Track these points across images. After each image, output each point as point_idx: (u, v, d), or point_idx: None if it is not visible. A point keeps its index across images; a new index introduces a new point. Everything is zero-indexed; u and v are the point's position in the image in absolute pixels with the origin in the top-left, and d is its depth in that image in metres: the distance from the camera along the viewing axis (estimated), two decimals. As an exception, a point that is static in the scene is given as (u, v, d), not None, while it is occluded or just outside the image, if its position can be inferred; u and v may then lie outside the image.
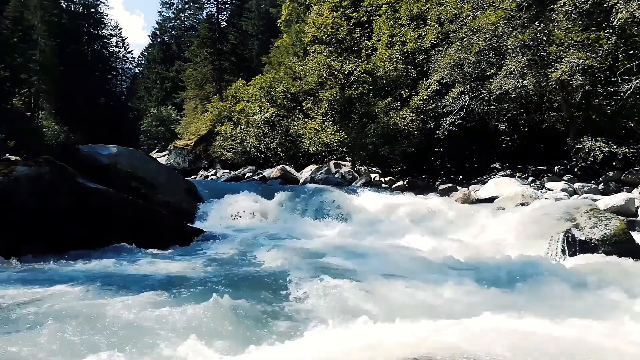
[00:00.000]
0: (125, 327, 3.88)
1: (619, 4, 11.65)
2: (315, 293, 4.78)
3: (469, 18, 15.15)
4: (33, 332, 3.69)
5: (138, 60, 61.73)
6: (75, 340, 3.55)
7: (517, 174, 15.00)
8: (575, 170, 14.02)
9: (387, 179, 18.30)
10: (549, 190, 12.75)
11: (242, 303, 4.58)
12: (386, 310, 4.20)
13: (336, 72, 19.51)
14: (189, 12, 54.88)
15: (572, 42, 13.22)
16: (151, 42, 57.42)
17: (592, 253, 6.71)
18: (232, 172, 25.49)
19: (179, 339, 3.59)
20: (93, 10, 49.98)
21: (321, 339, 3.63)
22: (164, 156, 36.81)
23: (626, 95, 12.38)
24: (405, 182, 17.20)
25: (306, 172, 21.01)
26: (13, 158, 12.51)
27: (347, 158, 20.54)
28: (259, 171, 24.34)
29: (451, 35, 16.53)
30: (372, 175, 18.46)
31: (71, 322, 3.95)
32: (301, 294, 4.80)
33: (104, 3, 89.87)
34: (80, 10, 48.93)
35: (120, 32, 56.73)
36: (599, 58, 12.73)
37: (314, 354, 3.36)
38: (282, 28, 31.94)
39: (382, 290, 4.91)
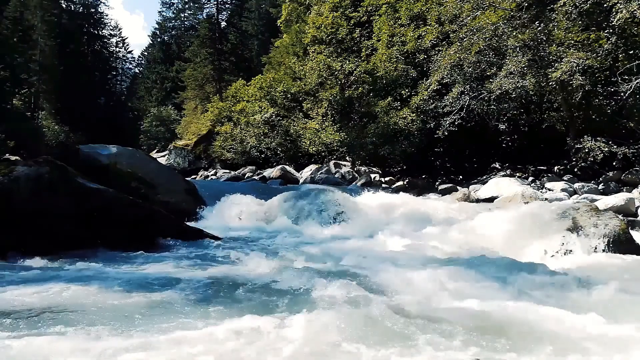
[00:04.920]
0: (125, 327, 3.88)
1: (619, 4, 11.65)
2: (316, 295, 4.77)
3: (469, 18, 15.16)
4: (31, 333, 3.69)
5: (138, 60, 61.88)
6: (73, 341, 3.55)
7: (517, 174, 15.01)
8: (575, 170, 14.03)
9: (387, 179, 18.31)
10: (549, 190, 12.75)
11: (242, 304, 4.58)
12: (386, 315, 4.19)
13: (336, 72, 19.52)
14: (189, 12, 54.92)
15: (572, 42, 13.23)
16: (151, 42, 57.49)
17: (592, 253, 6.71)
18: (232, 172, 25.51)
19: (178, 341, 3.58)
20: (93, 10, 50.11)
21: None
22: (164, 156, 36.81)
23: (626, 95, 12.39)
24: (405, 182, 17.21)
25: (306, 172, 21.02)
26: (13, 158, 12.54)
27: (347, 158, 20.55)
28: (259, 171, 24.35)
29: (451, 35, 16.54)
30: (372, 175, 18.47)
31: (70, 323, 3.95)
32: (302, 296, 4.79)
33: (104, 3, 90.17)
34: (80, 10, 49.02)
35: (120, 32, 56.90)
36: (599, 58, 12.74)
37: None
38: (282, 28, 31.97)
39: (381, 293, 4.90)
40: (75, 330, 3.77)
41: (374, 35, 21.62)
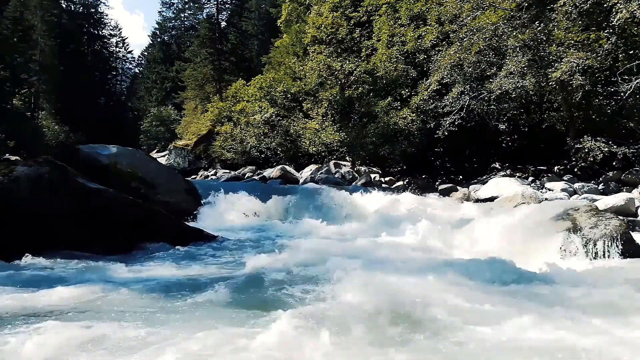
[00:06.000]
0: (123, 328, 3.87)
1: (619, 4, 11.65)
2: (315, 297, 4.77)
3: (469, 18, 15.15)
4: (31, 335, 3.68)
5: (138, 60, 61.88)
6: (72, 342, 3.55)
7: (517, 174, 15.00)
8: (575, 170, 14.02)
9: (387, 179, 18.30)
10: (549, 190, 12.75)
11: (243, 305, 4.58)
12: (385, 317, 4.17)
13: (336, 72, 19.52)
14: (189, 12, 54.91)
15: (572, 42, 13.22)
16: (151, 42, 57.46)
17: (592, 253, 6.71)
18: (232, 172, 25.50)
19: (177, 342, 3.58)
20: (93, 10, 50.14)
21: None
22: (164, 156, 36.81)
23: (626, 95, 12.38)
24: (405, 182, 17.21)
25: (306, 172, 21.02)
26: (13, 158, 12.54)
27: (347, 158, 20.55)
28: (259, 171, 24.35)
29: (451, 35, 16.54)
30: (372, 175, 18.46)
31: (69, 324, 3.94)
32: (301, 298, 4.79)
33: (104, 3, 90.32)
34: (80, 10, 49.03)
35: (120, 32, 56.90)
36: (599, 58, 12.74)
37: None
38: (282, 28, 31.96)
39: (379, 296, 4.88)
40: (72, 331, 3.76)
41: (374, 35, 21.62)
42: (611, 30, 12.53)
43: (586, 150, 13.22)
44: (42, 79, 29.51)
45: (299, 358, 3.36)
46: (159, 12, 78.74)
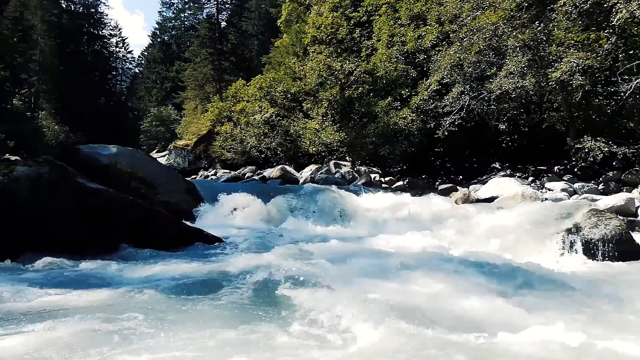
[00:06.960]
0: (124, 329, 3.87)
1: (619, 4, 11.65)
2: (316, 298, 4.76)
3: (469, 18, 15.15)
4: (33, 337, 3.68)
5: (138, 60, 61.81)
6: (72, 343, 3.55)
7: (517, 174, 14.99)
8: (575, 170, 14.01)
9: (387, 179, 18.30)
10: (549, 190, 12.74)
11: (242, 306, 4.57)
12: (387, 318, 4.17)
13: (336, 72, 19.50)
14: (189, 12, 54.91)
15: (572, 42, 13.22)
16: (151, 42, 57.44)
17: (592, 253, 6.71)
18: (232, 172, 25.47)
19: (179, 343, 3.58)
20: (93, 10, 50.04)
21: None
22: (164, 156, 36.81)
23: (626, 95, 12.38)
24: (405, 182, 17.20)
25: (306, 172, 21.01)
26: (13, 158, 12.54)
27: (347, 158, 20.54)
28: (259, 171, 24.34)
29: (451, 35, 16.52)
30: (372, 175, 18.46)
31: (69, 324, 3.94)
32: (301, 299, 4.77)
33: (104, 3, 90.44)
34: (80, 10, 48.97)
35: (120, 32, 56.79)
36: (599, 58, 12.73)
37: None
38: (282, 28, 31.95)
39: (383, 296, 4.89)
40: (72, 333, 3.76)
41: (374, 35, 21.60)
42: (611, 30, 12.53)
43: (586, 150, 13.21)
44: (42, 79, 29.52)
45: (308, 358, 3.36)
46: (159, 12, 78.78)
